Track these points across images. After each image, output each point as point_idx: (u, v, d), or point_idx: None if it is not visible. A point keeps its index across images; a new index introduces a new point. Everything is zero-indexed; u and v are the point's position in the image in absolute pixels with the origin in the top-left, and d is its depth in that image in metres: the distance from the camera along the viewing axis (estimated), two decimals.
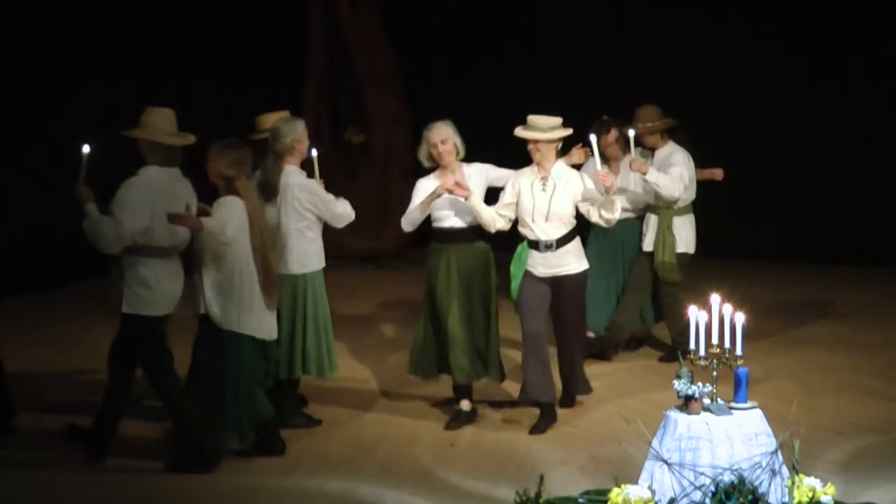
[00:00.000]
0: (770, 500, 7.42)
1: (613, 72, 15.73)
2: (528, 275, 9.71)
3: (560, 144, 9.86)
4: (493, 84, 16.18)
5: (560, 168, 9.80)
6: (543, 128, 9.77)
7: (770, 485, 7.45)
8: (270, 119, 10.29)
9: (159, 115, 9.13)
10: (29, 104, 13.94)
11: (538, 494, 7.58)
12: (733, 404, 7.63)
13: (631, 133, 10.82)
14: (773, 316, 12.33)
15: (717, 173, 11.94)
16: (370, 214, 15.33)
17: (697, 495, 7.39)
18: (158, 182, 8.92)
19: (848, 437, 9.42)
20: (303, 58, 16.12)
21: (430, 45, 16.52)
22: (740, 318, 7.59)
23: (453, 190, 9.69)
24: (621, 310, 11.32)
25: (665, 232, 11.16)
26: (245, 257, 8.97)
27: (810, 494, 7.41)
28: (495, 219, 9.77)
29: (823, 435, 9.29)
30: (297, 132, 9.77)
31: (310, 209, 9.71)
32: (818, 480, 7.53)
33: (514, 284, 9.74)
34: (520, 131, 9.83)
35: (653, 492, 7.47)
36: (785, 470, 7.55)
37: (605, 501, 7.55)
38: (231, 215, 8.91)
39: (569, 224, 9.72)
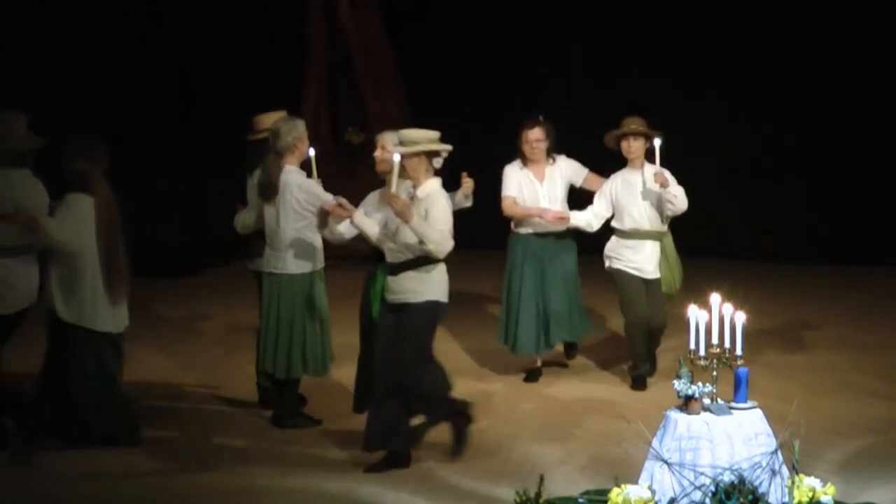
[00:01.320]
0: (770, 500, 7.42)
1: (615, 72, 15.75)
2: (382, 300, 9.16)
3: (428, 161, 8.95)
4: (493, 84, 16.19)
5: (431, 188, 8.86)
6: (406, 141, 8.82)
7: (770, 485, 7.45)
8: (269, 119, 10.29)
9: (3, 118, 9.25)
10: (28, 103, 13.94)
11: (538, 494, 7.58)
12: (733, 404, 7.63)
13: (657, 142, 10.36)
14: (773, 316, 12.34)
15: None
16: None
17: (697, 495, 7.39)
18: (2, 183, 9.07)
19: (848, 437, 9.42)
20: (303, 58, 16.12)
21: (430, 45, 16.53)
22: (740, 318, 7.58)
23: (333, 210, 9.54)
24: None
25: (674, 255, 10.74)
26: (90, 253, 9.06)
27: (810, 494, 7.40)
28: (376, 235, 9.29)
29: (823, 435, 9.29)
30: (297, 131, 9.79)
31: (309, 209, 9.70)
32: (818, 480, 7.53)
33: (374, 308, 9.45)
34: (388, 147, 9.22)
35: (653, 492, 7.47)
36: (785, 470, 7.55)
37: (605, 501, 7.55)
38: (69, 212, 9.05)
39: (415, 250, 8.78)
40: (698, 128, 15.60)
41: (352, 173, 15.83)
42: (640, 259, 10.63)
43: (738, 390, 7.65)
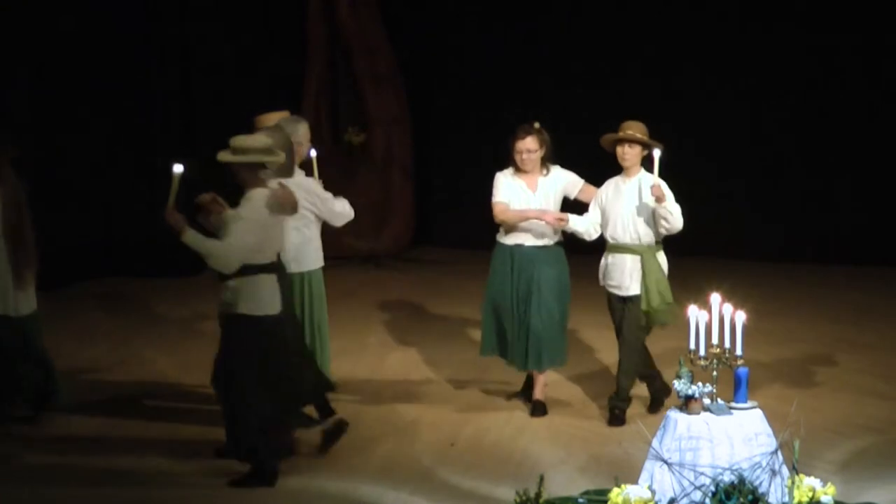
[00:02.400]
0: (770, 500, 7.43)
1: (617, 72, 15.74)
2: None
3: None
4: (494, 83, 16.18)
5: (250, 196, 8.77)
6: (237, 150, 8.78)
7: (770, 485, 7.46)
8: (270, 119, 10.29)
9: None
10: (27, 102, 13.95)
11: (538, 494, 7.58)
12: (733, 404, 7.63)
13: (657, 153, 9.55)
14: (773, 316, 12.33)
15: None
16: (370, 214, 15.34)
17: (697, 495, 7.39)
18: None
19: (848, 437, 9.43)
20: (303, 58, 16.12)
21: (430, 45, 16.52)
22: (740, 318, 7.59)
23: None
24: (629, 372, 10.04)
25: (658, 272, 9.75)
26: None
27: (810, 494, 7.41)
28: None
29: (823, 435, 9.29)
30: (298, 133, 9.81)
31: (308, 208, 9.71)
32: (818, 480, 7.53)
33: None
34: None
35: (653, 492, 7.47)
36: (785, 470, 7.56)
37: (605, 501, 7.55)
38: None
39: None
40: (698, 127, 15.60)
41: (351, 173, 15.82)
42: (618, 275, 9.88)
43: (738, 390, 7.66)
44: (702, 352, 7.60)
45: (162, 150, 15.16)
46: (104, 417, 10.01)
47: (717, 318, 7.61)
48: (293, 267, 9.69)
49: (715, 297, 7.64)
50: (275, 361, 8.55)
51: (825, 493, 7.44)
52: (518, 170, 10.10)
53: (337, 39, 16.17)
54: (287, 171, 9.38)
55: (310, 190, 9.73)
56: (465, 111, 16.13)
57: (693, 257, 14.89)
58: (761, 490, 7.40)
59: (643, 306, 9.73)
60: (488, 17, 16.32)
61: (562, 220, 9.98)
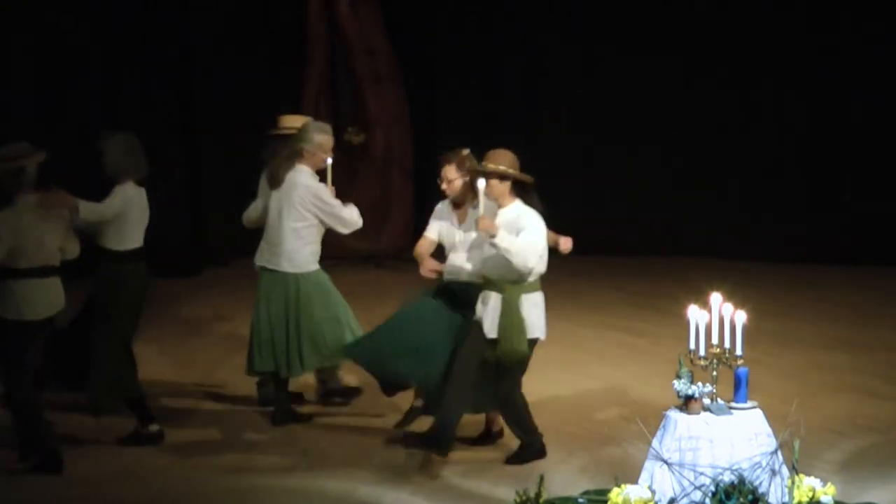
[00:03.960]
0: (770, 500, 7.43)
1: (618, 72, 15.74)
2: None
3: None
4: (494, 83, 16.19)
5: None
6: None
7: (770, 485, 7.46)
8: (292, 120, 10.35)
9: None
10: (25, 102, 13.96)
11: (538, 494, 7.58)
12: (733, 404, 7.63)
13: (481, 184, 8.71)
14: (773, 316, 12.32)
15: (565, 243, 9.39)
16: (370, 214, 15.29)
17: (697, 495, 7.39)
18: None
19: (848, 437, 9.43)
20: (303, 57, 16.12)
21: (430, 45, 16.52)
22: (740, 317, 7.59)
23: None
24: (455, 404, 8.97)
25: (514, 314, 8.71)
26: None
27: (810, 494, 7.41)
28: None
29: (823, 435, 9.29)
30: (317, 141, 9.80)
31: (312, 211, 9.73)
32: (818, 480, 7.53)
33: None
34: None
35: (653, 492, 7.47)
36: (785, 470, 7.55)
37: (605, 501, 7.55)
38: None
39: None
40: (698, 126, 15.60)
41: (351, 173, 15.83)
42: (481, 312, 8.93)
43: (738, 390, 7.66)
44: (702, 352, 7.60)
45: (161, 150, 15.17)
46: (105, 416, 10.00)
47: (717, 318, 7.61)
48: (286, 266, 9.73)
49: (715, 297, 7.64)
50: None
51: (825, 493, 7.44)
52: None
53: (337, 39, 16.17)
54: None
55: (317, 195, 9.76)
56: (464, 111, 16.13)
57: (693, 257, 14.91)
58: (761, 490, 7.40)
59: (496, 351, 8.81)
60: (488, 17, 16.31)
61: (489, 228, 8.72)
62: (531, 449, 9.06)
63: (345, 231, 9.98)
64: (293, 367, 9.77)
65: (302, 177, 9.77)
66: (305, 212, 9.73)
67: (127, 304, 9.50)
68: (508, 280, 8.70)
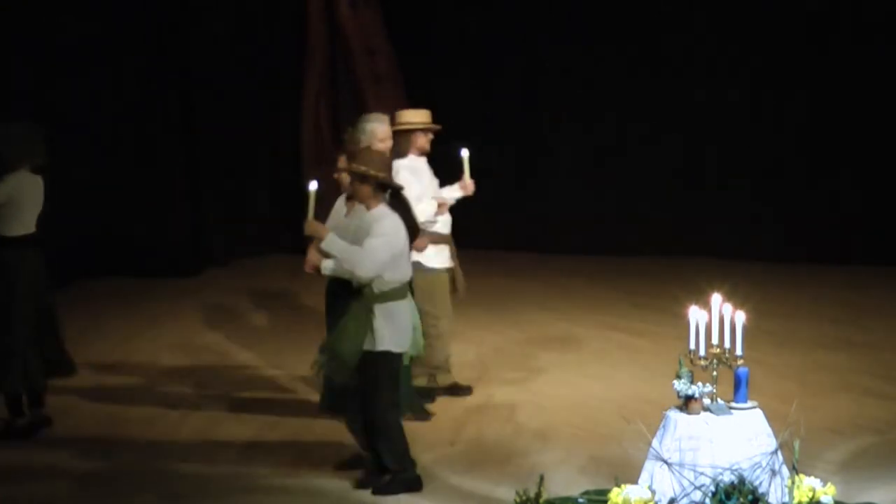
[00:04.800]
0: (770, 500, 7.43)
1: (618, 70, 15.73)
2: None
3: None
4: (494, 83, 16.19)
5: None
6: None
7: (770, 485, 7.46)
8: (410, 115, 10.32)
9: None
10: (25, 101, 13.94)
11: (538, 494, 7.58)
12: (733, 404, 7.63)
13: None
14: (773, 316, 12.32)
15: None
16: None
17: (697, 495, 7.39)
18: None
19: (848, 437, 9.43)
20: (303, 58, 16.12)
21: (430, 46, 16.52)
22: (740, 318, 7.59)
23: None
24: None
25: (349, 320, 8.28)
26: None
27: (810, 494, 7.41)
28: None
29: (823, 435, 9.29)
30: (368, 130, 9.66)
31: None
32: (818, 480, 7.53)
33: None
34: None
35: (653, 492, 7.47)
36: (785, 470, 7.56)
37: (605, 501, 7.55)
38: None
39: None
40: (698, 126, 15.60)
41: None
42: None
43: (738, 390, 7.66)
44: (702, 352, 7.60)
45: (162, 149, 15.18)
46: (103, 417, 10.01)
47: (717, 318, 7.61)
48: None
49: (715, 298, 7.64)
50: None
51: (825, 493, 7.44)
52: None
53: (337, 39, 16.17)
54: None
55: None
56: (464, 111, 16.12)
57: (693, 257, 14.90)
58: (761, 490, 7.40)
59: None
60: (488, 16, 16.31)
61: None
62: (401, 481, 8.39)
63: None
64: None
65: None
66: None
67: (23, 290, 9.53)
68: (359, 285, 8.26)
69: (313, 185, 8.33)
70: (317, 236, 8.31)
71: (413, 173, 10.04)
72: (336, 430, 9.75)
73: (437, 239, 10.17)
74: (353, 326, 8.23)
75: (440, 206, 10.11)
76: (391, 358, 8.29)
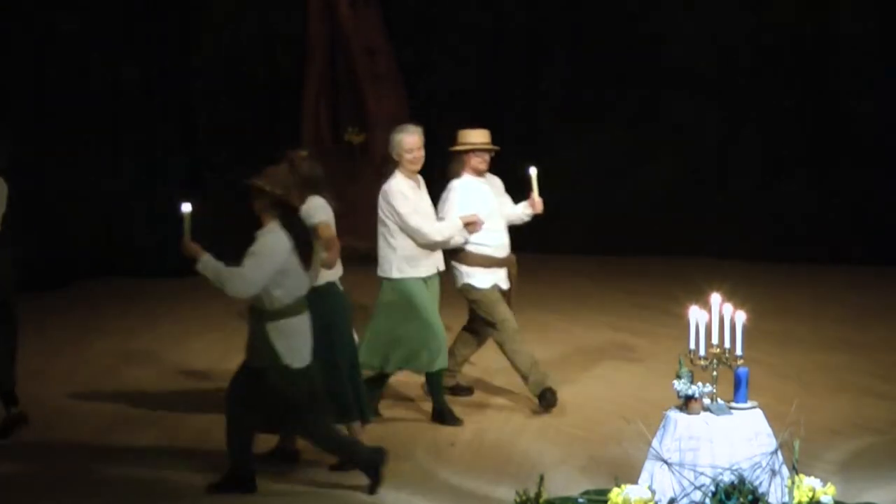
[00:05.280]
0: (770, 500, 7.42)
1: (618, 69, 15.73)
2: None
3: None
4: (493, 83, 16.19)
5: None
6: None
7: (770, 485, 7.46)
8: (471, 135, 10.03)
9: None
10: (23, 102, 13.95)
11: (538, 494, 7.58)
12: (733, 404, 7.63)
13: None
14: (773, 316, 12.32)
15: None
16: (370, 214, 15.30)
17: (697, 495, 7.39)
18: None
19: (848, 437, 9.43)
20: (303, 58, 16.12)
21: (431, 45, 16.52)
22: (740, 318, 7.59)
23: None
24: None
25: (251, 336, 8.60)
26: None
27: (810, 494, 7.41)
28: None
29: (823, 435, 9.29)
30: (395, 142, 9.74)
31: (388, 216, 9.69)
32: (818, 480, 7.53)
33: None
34: None
35: (653, 492, 7.47)
36: (785, 470, 7.55)
37: (605, 501, 7.55)
38: None
39: None
40: (698, 126, 15.60)
41: (352, 174, 15.82)
42: None
43: (738, 390, 7.66)
44: (702, 352, 7.60)
45: (162, 149, 15.18)
46: (104, 417, 10.01)
47: (717, 318, 7.61)
48: (379, 271, 9.77)
49: (715, 298, 7.64)
50: None
51: (825, 493, 7.44)
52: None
53: (337, 39, 16.17)
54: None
55: (387, 199, 9.73)
56: (464, 111, 16.12)
57: (693, 257, 14.91)
58: (761, 490, 7.40)
59: None
60: (488, 17, 16.32)
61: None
62: (235, 478, 8.50)
63: (420, 241, 9.72)
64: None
65: (389, 182, 9.74)
66: (383, 216, 9.73)
67: None
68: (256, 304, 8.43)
69: (187, 207, 8.35)
70: (192, 257, 8.35)
71: (465, 194, 9.97)
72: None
73: (485, 261, 10.02)
74: (251, 343, 8.46)
75: (470, 225, 9.91)
76: (293, 373, 8.37)
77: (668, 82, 15.62)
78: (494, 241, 10.06)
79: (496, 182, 10.31)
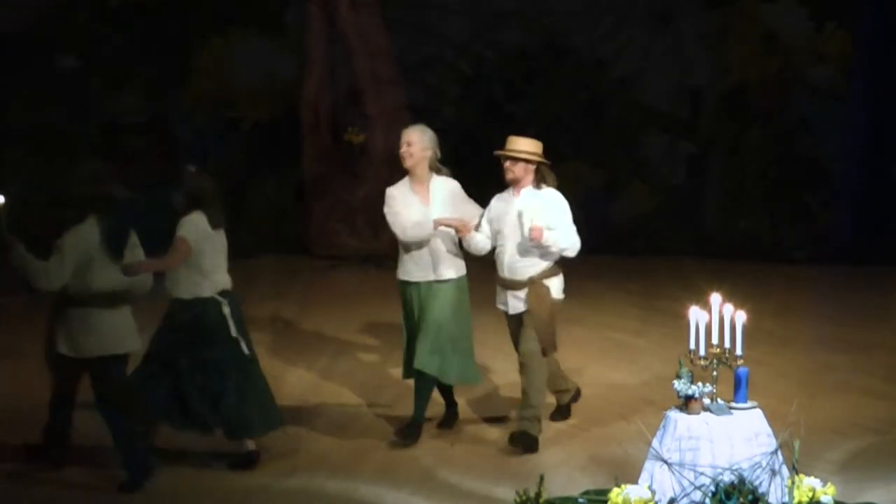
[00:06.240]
0: (770, 500, 7.42)
1: (618, 67, 15.76)
2: None
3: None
4: (493, 82, 16.21)
5: None
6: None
7: (770, 485, 7.46)
8: (519, 142, 9.58)
9: None
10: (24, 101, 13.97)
11: (538, 494, 7.58)
12: (733, 404, 7.63)
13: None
14: (773, 316, 12.33)
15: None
16: (370, 214, 15.33)
17: (697, 495, 7.39)
18: None
19: (848, 437, 9.43)
20: (303, 58, 16.13)
21: (431, 45, 16.54)
22: (740, 318, 7.59)
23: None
24: None
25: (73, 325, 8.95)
26: None
27: (810, 494, 7.41)
28: None
29: (823, 435, 9.29)
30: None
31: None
32: (818, 480, 7.53)
33: None
34: None
35: (653, 492, 7.47)
36: (785, 470, 7.56)
37: (605, 501, 7.55)
38: None
39: None
40: (697, 126, 15.62)
41: (352, 173, 15.84)
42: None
43: (738, 390, 7.66)
44: (702, 352, 7.60)
45: (162, 149, 15.20)
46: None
47: (717, 318, 7.61)
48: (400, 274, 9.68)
49: (715, 298, 7.64)
50: None
51: (825, 493, 7.44)
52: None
53: (337, 39, 16.19)
54: None
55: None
56: (463, 110, 16.14)
57: (693, 257, 14.91)
58: (761, 490, 7.40)
59: None
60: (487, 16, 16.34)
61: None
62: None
63: (400, 242, 9.76)
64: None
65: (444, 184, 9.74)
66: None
67: None
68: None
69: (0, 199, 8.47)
70: (12, 248, 8.50)
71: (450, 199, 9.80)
72: (333, 430, 9.77)
73: (498, 281, 9.74)
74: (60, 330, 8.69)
75: (457, 231, 9.64)
76: (98, 362, 8.68)
77: (667, 80, 15.64)
78: (499, 257, 9.68)
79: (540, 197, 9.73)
